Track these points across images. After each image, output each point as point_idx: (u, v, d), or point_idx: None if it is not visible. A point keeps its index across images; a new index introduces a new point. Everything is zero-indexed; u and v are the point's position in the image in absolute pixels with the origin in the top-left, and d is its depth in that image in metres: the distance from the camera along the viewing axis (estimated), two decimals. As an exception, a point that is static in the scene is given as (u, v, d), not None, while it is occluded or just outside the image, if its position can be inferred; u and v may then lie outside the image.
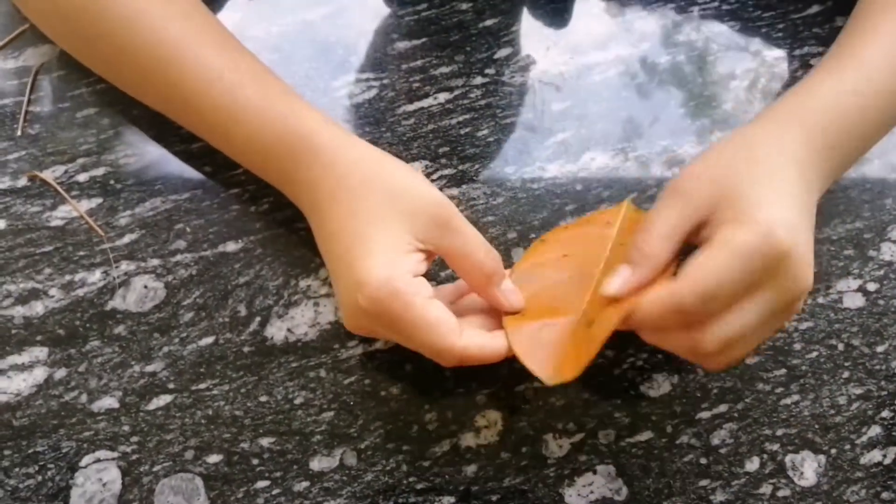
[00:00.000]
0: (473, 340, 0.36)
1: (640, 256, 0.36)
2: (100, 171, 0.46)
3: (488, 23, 0.51)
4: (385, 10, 0.51)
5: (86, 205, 0.45)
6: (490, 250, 0.38)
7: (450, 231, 0.37)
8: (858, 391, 0.44)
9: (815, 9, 0.52)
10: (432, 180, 0.47)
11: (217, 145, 0.43)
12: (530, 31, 0.51)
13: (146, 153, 0.46)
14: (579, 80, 0.50)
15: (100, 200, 0.45)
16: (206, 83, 0.40)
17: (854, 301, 0.46)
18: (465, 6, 0.51)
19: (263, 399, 0.42)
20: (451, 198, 0.41)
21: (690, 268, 0.34)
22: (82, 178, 0.45)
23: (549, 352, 0.36)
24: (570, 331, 0.37)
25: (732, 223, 0.35)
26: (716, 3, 0.53)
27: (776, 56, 0.52)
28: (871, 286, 0.46)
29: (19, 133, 0.46)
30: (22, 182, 0.45)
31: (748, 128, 0.39)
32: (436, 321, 0.36)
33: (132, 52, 0.41)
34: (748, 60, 0.51)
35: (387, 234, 0.36)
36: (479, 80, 0.49)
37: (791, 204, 0.36)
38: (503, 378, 0.43)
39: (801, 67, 0.51)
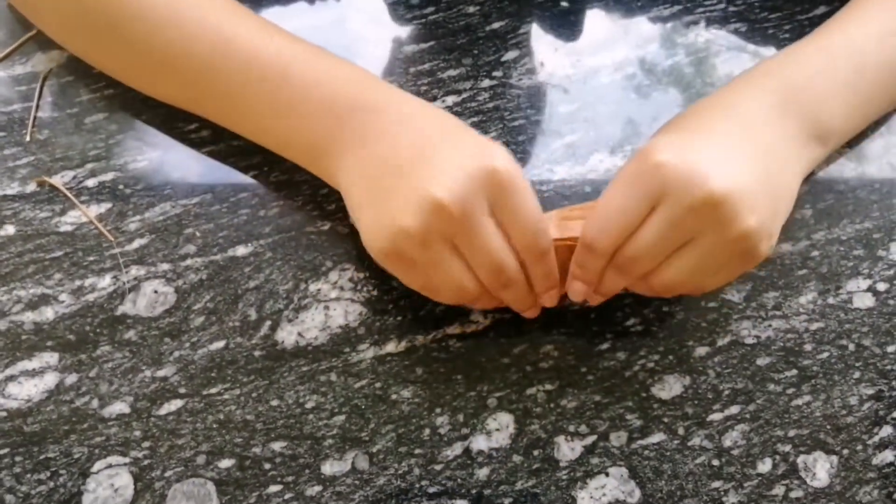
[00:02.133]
0: None
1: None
2: (109, 176, 0.46)
3: (495, 26, 0.51)
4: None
5: (95, 210, 0.45)
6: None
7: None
8: (870, 391, 0.44)
9: (821, 10, 0.52)
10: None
11: (254, 102, 0.41)
12: (538, 33, 0.51)
13: (155, 158, 0.46)
14: (587, 82, 0.50)
15: (109, 205, 0.45)
16: (264, 39, 0.41)
17: (864, 301, 0.46)
18: (472, 9, 0.51)
19: (274, 403, 0.42)
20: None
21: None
22: (91, 183, 0.45)
23: None
24: None
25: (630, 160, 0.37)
26: (722, 5, 0.53)
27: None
28: (881, 286, 0.46)
29: (28, 139, 0.46)
30: (31, 188, 0.45)
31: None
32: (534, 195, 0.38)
33: (175, 24, 0.41)
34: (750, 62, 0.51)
35: None
36: (486, 82, 0.49)
37: (691, 130, 0.38)
38: (514, 381, 0.43)
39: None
